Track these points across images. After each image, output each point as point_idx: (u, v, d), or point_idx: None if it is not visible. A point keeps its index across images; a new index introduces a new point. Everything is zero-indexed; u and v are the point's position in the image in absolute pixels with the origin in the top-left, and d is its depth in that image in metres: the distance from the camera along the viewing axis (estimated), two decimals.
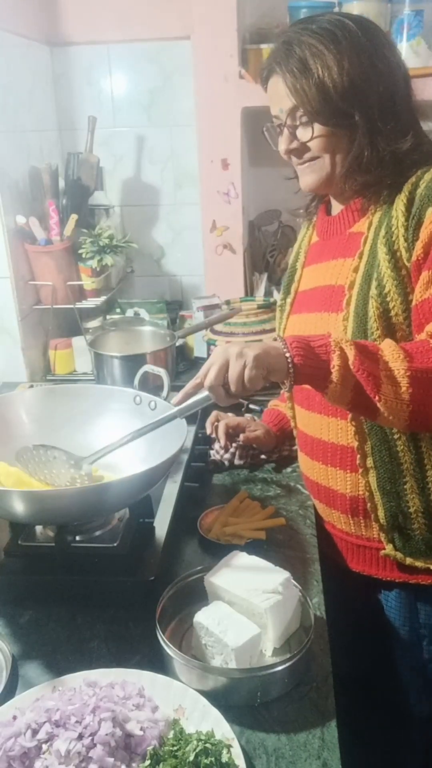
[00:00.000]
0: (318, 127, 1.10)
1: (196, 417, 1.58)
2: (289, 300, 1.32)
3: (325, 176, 1.15)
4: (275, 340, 1.00)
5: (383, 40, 1.12)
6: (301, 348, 0.97)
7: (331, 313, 1.16)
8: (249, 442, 1.50)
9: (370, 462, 1.15)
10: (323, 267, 1.22)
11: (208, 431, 1.54)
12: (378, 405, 0.95)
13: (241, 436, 1.49)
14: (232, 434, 1.51)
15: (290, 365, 0.96)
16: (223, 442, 1.50)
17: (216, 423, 1.53)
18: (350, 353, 0.95)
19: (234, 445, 1.51)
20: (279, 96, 1.12)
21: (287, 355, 0.96)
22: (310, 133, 1.11)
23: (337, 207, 1.23)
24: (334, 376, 0.95)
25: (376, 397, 0.94)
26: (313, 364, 0.96)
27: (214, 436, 1.53)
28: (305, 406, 1.26)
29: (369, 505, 1.17)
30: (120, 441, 1.09)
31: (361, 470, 1.16)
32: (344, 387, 0.95)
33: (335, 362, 0.95)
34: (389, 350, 0.97)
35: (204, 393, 1.00)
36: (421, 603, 1.23)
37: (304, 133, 1.12)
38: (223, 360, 0.96)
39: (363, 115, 1.08)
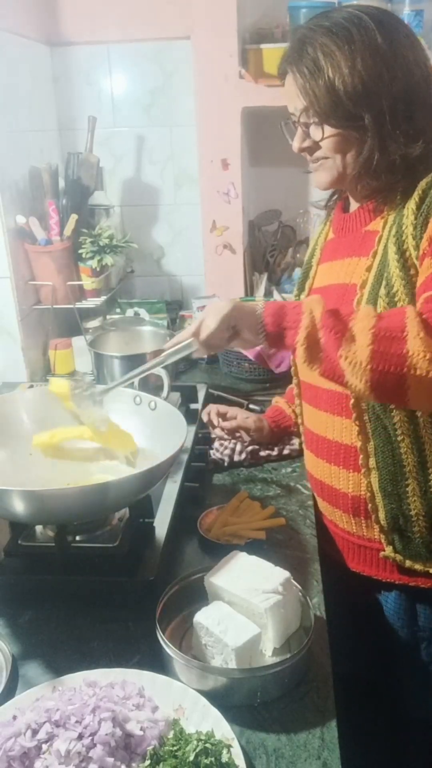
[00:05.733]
0: (329, 128, 1.10)
1: (196, 417, 1.58)
2: (302, 296, 1.32)
3: (336, 175, 1.15)
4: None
5: (403, 38, 1.08)
6: (274, 309, 1.04)
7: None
8: (236, 429, 1.52)
9: (372, 462, 1.15)
10: (338, 265, 1.22)
11: (205, 419, 1.55)
12: (340, 362, 0.94)
13: (231, 422, 1.53)
14: (225, 426, 1.53)
15: (260, 323, 1.04)
16: (215, 422, 1.55)
17: (209, 411, 1.55)
18: (318, 312, 0.98)
19: (234, 442, 1.52)
20: (292, 95, 1.12)
21: (258, 312, 1.05)
22: (321, 134, 1.11)
23: (354, 204, 1.23)
24: (301, 334, 0.98)
25: (337, 353, 0.94)
26: (282, 323, 1.02)
27: (206, 419, 1.55)
28: (312, 404, 1.26)
29: (370, 505, 1.17)
30: (126, 378, 1.21)
31: (363, 470, 1.16)
32: (313, 347, 0.97)
33: (304, 321, 0.99)
34: (363, 311, 0.99)
35: (188, 340, 1.11)
36: (421, 606, 1.23)
37: (316, 132, 1.12)
38: (205, 314, 1.08)
39: (373, 118, 1.06)
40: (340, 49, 1.05)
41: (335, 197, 1.32)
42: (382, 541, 1.19)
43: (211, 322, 1.05)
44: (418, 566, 1.17)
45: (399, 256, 1.07)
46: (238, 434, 1.54)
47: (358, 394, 1.03)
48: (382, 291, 1.08)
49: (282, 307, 1.04)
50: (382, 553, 1.19)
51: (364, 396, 1.01)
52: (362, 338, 0.93)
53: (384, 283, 1.08)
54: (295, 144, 1.16)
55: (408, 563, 1.18)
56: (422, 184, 1.07)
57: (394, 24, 1.09)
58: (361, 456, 1.15)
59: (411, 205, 1.07)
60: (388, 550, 1.18)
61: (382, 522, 1.17)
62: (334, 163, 1.13)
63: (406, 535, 1.17)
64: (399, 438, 1.12)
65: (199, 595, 1.04)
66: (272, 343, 1.05)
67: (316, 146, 1.14)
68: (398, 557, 1.18)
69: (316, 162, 1.16)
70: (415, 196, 1.07)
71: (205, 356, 1.13)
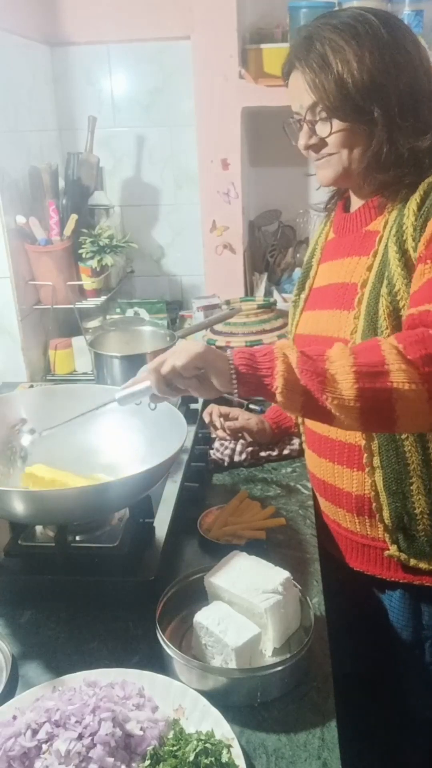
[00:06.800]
0: (337, 123, 1.10)
1: (196, 417, 1.58)
2: (303, 296, 1.32)
3: (341, 171, 1.15)
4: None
5: (406, 35, 1.10)
6: (244, 357, 0.98)
7: (343, 311, 1.16)
8: (239, 430, 1.51)
9: (376, 461, 1.15)
10: (338, 264, 1.22)
11: (207, 420, 1.55)
12: (327, 404, 0.93)
13: (234, 423, 1.51)
14: (229, 426, 1.52)
15: (232, 369, 0.97)
16: (218, 424, 1.52)
17: (211, 412, 1.55)
18: (293, 356, 0.95)
19: (239, 442, 1.52)
20: (299, 92, 1.12)
21: (230, 360, 0.97)
22: (329, 129, 1.11)
23: (356, 203, 1.23)
24: (279, 381, 0.94)
25: (323, 396, 0.93)
26: (257, 371, 0.97)
27: (207, 420, 1.55)
28: None
29: (374, 504, 1.17)
30: (67, 421, 1.15)
31: (367, 469, 1.16)
32: (291, 392, 0.94)
33: (279, 367, 0.95)
34: (336, 350, 0.97)
35: (147, 382, 1.02)
36: (425, 604, 1.23)
37: (323, 129, 1.12)
38: (171, 352, 0.99)
39: (382, 111, 1.07)
40: (348, 44, 1.06)
41: (335, 199, 1.32)
42: (387, 540, 1.18)
43: (178, 358, 0.97)
44: (422, 565, 1.17)
45: (400, 256, 1.07)
46: (239, 435, 1.54)
47: (348, 430, 1.04)
48: (384, 290, 1.08)
49: (252, 354, 0.98)
50: (386, 553, 1.19)
51: (357, 430, 1.02)
52: (345, 378, 0.93)
53: (386, 282, 1.08)
54: (301, 141, 1.16)
55: (413, 562, 1.18)
56: (424, 184, 1.08)
57: (396, 22, 1.11)
58: (365, 455, 1.15)
59: (412, 205, 1.07)
60: (393, 549, 1.18)
61: (386, 521, 1.17)
62: (341, 159, 1.13)
63: (411, 534, 1.17)
64: (403, 436, 1.12)
65: (199, 595, 1.04)
66: (245, 391, 0.98)
67: (322, 143, 1.14)
68: (402, 556, 1.18)
69: (321, 159, 1.16)
70: (416, 197, 1.07)
71: (156, 404, 1.06)
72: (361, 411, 0.93)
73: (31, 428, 1.26)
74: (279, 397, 0.95)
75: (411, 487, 1.14)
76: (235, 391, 0.97)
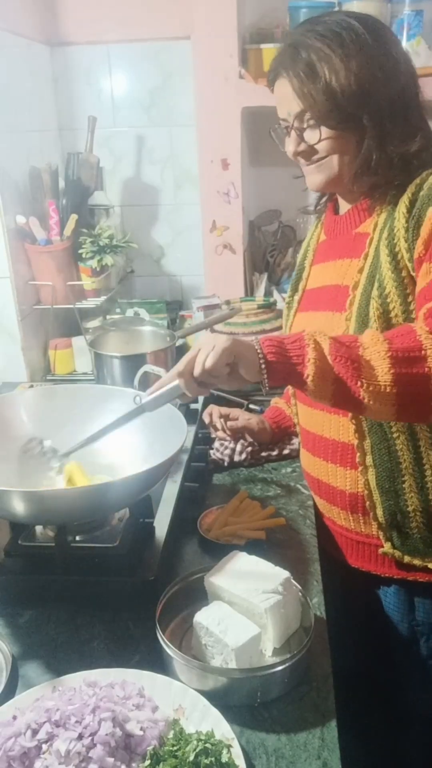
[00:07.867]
0: (326, 130, 1.10)
1: (196, 417, 1.58)
2: (296, 297, 1.32)
3: (333, 176, 1.15)
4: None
5: (391, 39, 1.11)
6: (273, 345, 0.96)
7: (336, 312, 1.17)
8: (241, 430, 1.51)
9: (369, 460, 1.15)
10: (330, 266, 1.22)
11: (207, 421, 1.55)
12: (361, 392, 0.92)
13: (236, 423, 1.51)
14: (231, 426, 1.52)
15: (261, 359, 0.95)
16: (219, 425, 1.52)
17: (211, 412, 1.55)
18: (325, 344, 0.94)
19: (239, 442, 1.52)
20: (286, 99, 1.11)
21: (257, 348, 0.95)
22: (318, 136, 1.11)
23: (344, 206, 1.23)
24: (310, 369, 0.93)
25: (357, 383, 0.92)
26: (287, 360, 0.95)
27: (208, 421, 1.54)
28: (308, 403, 1.26)
29: (368, 503, 1.17)
30: (91, 437, 1.10)
31: (360, 468, 1.16)
32: (323, 380, 0.93)
33: (310, 355, 0.94)
34: (368, 336, 0.96)
35: (174, 383, 1.00)
36: (419, 600, 1.23)
37: (311, 136, 1.12)
38: (197, 349, 0.96)
39: (371, 118, 1.07)
40: (334, 52, 1.06)
41: (324, 200, 1.33)
42: (381, 537, 1.19)
43: (209, 357, 0.94)
44: (416, 561, 1.18)
45: (391, 258, 1.07)
46: (240, 435, 1.54)
47: (383, 419, 1.02)
48: (375, 292, 1.08)
49: (281, 342, 0.96)
50: (381, 550, 1.20)
51: (390, 419, 1.00)
52: (381, 364, 0.92)
53: (376, 284, 1.09)
54: (290, 148, 1.15)
55: (406, 559, 1.19)
56: (411, 186, 1.08)
57: (381, 27, 1.11)
58: (358, 453, 1.16)
59: (402, 207, 1.08)
60: (387, 547, 1.19)
61: (380, 519, 1.17)
62: (332, 163, 1.13)
63: (404, 531, 1.17)
64: (395, 435, 1.12)
65: (199, 595, 1.04)
66: (275, 380, 0.96)
67: (311, 150, 1.14)
68: (396, 553, 1.19)
69: (311, 164, 1.16)
70: (405, 199, 1.08)
71: (190, 402, 1.00)
72: (397, 397, 0.93)
73: (47, 445, 1.23)
74: (310, 386, 0.94)
75: (403, 485, 1.14)
76: (265, 380, 0.96)
